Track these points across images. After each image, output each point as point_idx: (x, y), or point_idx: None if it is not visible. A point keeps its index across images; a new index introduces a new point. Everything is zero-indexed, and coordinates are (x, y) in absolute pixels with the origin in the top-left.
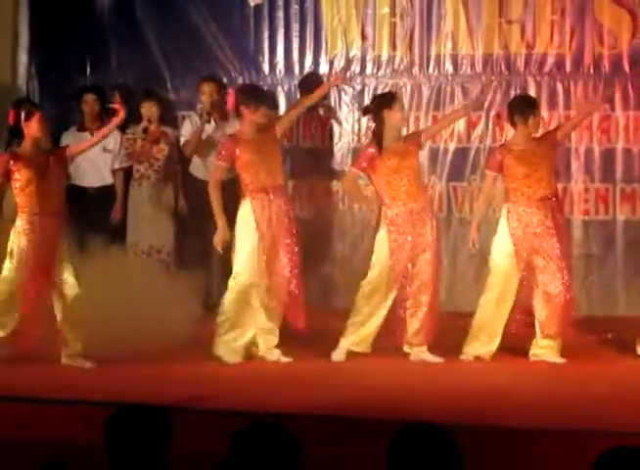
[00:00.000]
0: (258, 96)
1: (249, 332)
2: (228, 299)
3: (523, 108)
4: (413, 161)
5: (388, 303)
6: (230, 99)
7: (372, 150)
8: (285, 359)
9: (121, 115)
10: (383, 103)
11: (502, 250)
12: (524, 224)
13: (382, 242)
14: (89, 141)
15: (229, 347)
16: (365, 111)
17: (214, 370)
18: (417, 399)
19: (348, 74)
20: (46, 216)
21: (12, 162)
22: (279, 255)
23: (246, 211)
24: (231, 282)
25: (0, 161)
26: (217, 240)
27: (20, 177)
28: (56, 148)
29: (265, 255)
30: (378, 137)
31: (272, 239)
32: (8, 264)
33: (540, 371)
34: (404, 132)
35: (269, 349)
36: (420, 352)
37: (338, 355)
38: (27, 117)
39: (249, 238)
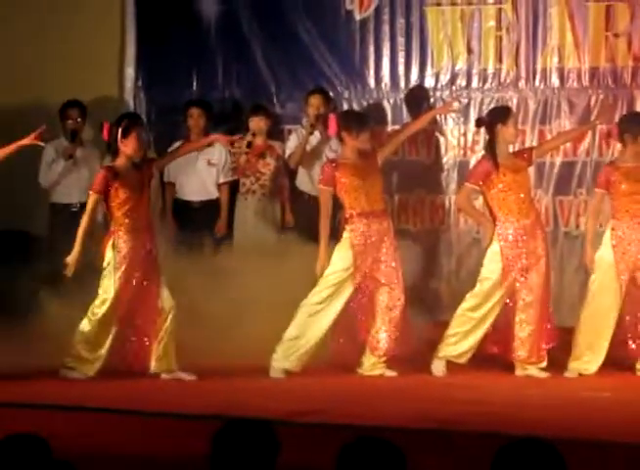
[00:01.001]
0: (360, 122)
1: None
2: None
3: (633, 126)
4: (525, 176)
5: (492, 318)
6: (332, 124)
7: (487, 165)
8: (389, 373)
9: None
10: (497, 117)
11: (603, 266)
12: (627, 242)
13: (494, 257)
14: (178, 152)
15: None
16: (478, 123)
17: (319, 384)
18: (521, 415)
19: (454, 88)
20: (141, 232)
21: (110, 179)
22: (380, 279)
23: (345, 236)
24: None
25: (99, 177)
26: (318, 268)
27: (117, 196)
28: (145, 161)
29: (358, 280)
30: (492, 152)
31: (372, 263)
32: (102, 291)
33: None
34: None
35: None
36: (526, 367)
37: (437, 368)
38: (125, 135)
39: (343, 261)
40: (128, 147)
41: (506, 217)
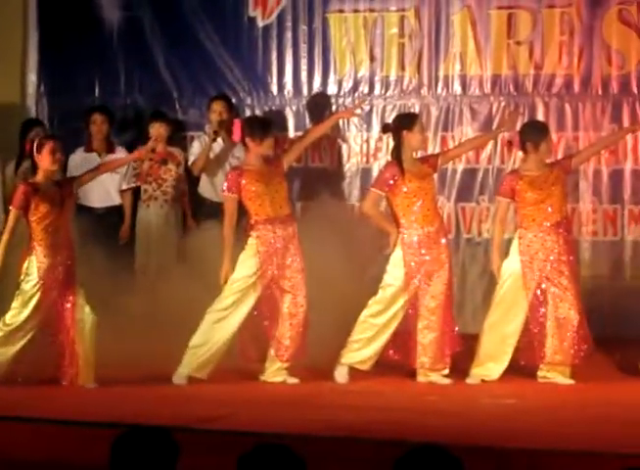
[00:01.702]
0: (264, 128)
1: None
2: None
3: (533, 134)
4: (431, 183)
5: (395, 325)
6: (236, 130)
7: (393, 171)
8: (291, 380)
9: (138, 155)
10: (403, 123)
11: (510, 274)
12: (534, 250)
13: (397, 263)
14: (98, 171)
15: None
16: (384, 129)
17: (222, 390)
18: (423, 421)
19: (356, 95)
20: (60, 247)
21: (30, 194)
22: (284, 285)
23: (250, 242)
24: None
25: (19, 193)
26: (222, 275)
27: (38, 211)
28: (65, 180)
29: (263, 286)
30: (397, 158)
31: (277, 269)
32: (18, 303)
33: (548, 393)
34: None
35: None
36: (428, 374)
37: (340, 375)
38: (38, 150)
39: (248, 268)
40: (43, 161)
41: (410, 224)
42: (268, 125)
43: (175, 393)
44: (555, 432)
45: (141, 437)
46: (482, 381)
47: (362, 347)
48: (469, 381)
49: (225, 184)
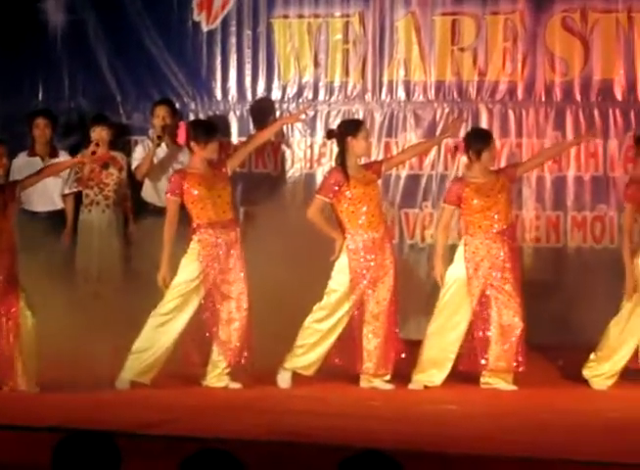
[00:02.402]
0: (209, 131)
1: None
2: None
3: (476, 142)
4: (376, 189)
5: (340, 329)
6: (181, 132)
7: (338, 177)
8: (234, 385)
9: (80, 159)
10: (348, 130)
11: (455, 280)
12: (479, 257)
13: (342, 269)
14: (41, 175)
15: None
16: (329, 135)
17: (164, 395)
18: (366, 427)
19: (301, 100)
20: (3, 252)
21: None
22: (226, 290)
23: (192, 246)
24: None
25: None
26: (159, 278)
27: None
28: (8, 184)
29: (205, 290)
30: (342, 164)
31: (219, 273)
32: None
33: (491, 399)
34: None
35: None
36: (371, 379)
37: (283, 380)
38: None
39: (190, 272)
40: None
41: (355, 230)
42: (212, 129)
43: (118, 398)
44: (498, 438)
45: (83, 442)
46: (425, 387)
47: (306, 352)
48: (411, 387)
49: (168, 186)
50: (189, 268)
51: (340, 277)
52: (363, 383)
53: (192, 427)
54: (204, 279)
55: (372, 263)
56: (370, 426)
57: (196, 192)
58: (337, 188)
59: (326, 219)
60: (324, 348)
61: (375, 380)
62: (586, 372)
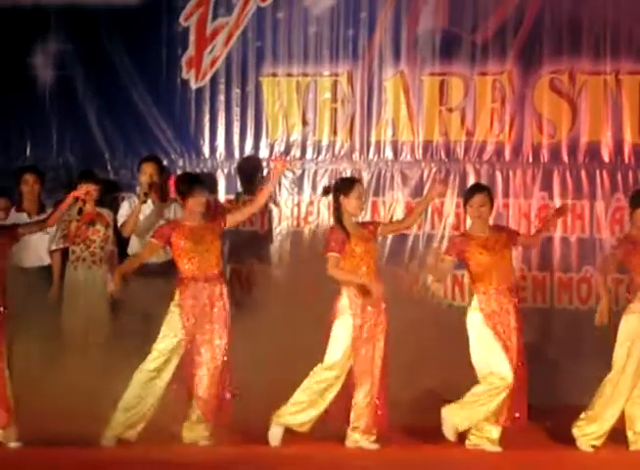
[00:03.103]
0: (190, 184)
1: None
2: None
3: (465, 198)
4: (375, 247)
5: (337, 388)
6: (172, 185)
7: (341, 234)
8: (206, 443)
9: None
10: (340, 188)
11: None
12: (491, 309)
13: (344, 328)
14: (40, 224)
15: None
16: (324, 192)
17: (146, 453)
18: None
19: (288, 158)
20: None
21: None
22: (207, 344)
23: (174, 303)
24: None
25: None
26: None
27: None
28: (5, 227)
29: (185, 346)
30: (340, 222)
31: (200, 328)
32: None
33: (478, 459)
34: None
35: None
36: (358, 439)
37: (275, 437)
38: None
39: (172, 329)
40: None
41: (358, 288)
42: (194, 182)
43: (103, 455)
44: None
45: None
46: None
47: (302, 410)
48: None
49: (154, 230)
50: (172, 325)
51: (341, 337)
52: (349, 442)
53: None
54: (187, 333)
55: (371, 322)
56: None
57: (182, 244)
58: (343, 244)
59: (347, 270)
60: (322, 406)
61: (361, 438)
62: (575, 431)
